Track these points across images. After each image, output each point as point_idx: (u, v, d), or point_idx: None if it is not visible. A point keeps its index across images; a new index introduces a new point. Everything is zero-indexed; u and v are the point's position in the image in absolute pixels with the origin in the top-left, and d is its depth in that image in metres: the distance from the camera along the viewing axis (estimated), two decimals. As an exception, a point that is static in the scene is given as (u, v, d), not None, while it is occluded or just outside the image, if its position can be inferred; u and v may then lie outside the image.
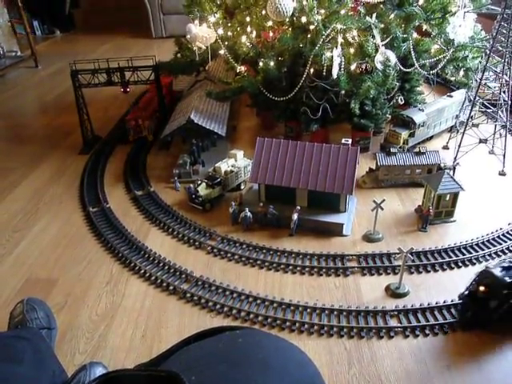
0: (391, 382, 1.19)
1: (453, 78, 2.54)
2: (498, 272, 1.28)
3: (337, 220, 1.76)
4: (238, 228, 1.81)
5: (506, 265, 1.30)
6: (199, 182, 1.96)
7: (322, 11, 2.02)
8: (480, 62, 2.06)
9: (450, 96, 2.41)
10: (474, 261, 1.59)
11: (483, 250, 1.63)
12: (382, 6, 2.06)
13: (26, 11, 4.44)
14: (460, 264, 1.58)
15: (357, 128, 2.29)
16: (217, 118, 2.38)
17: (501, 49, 1.93)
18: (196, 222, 1.85)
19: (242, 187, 2.07)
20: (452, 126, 2.45)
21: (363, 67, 2.11)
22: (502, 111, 2.06)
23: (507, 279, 1.26)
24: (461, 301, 1.37)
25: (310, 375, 0.69)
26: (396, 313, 1.39)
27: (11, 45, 4.50)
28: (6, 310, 1.36)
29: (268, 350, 0.68)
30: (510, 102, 2.03)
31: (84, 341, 1.35)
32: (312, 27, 2.03)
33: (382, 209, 1.67)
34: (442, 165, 1.97)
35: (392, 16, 2.05)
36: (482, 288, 1.29)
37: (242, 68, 2.33)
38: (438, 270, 1.56)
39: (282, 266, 1.60)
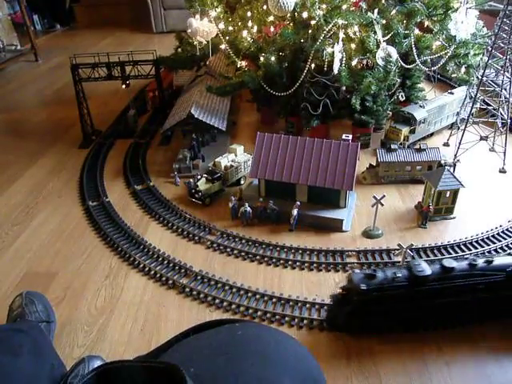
0: (389, 376, 1.19)
1: (454, 75, 2.54)
2: (356, 278, 1.23)
3: (337, 216, 1.75)
4: (237, 223, 1.81)
5: (368, 272, 1.24)
6: (199, 177, 1.96)
7: (324, 6, 2.01)
8: (481, 59, 2.06)
9: (451, 93, 2.41)
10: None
11: (483, 246, 1.63)
12: (383, 1, 2.05)
13: (26, 5, 4.42)
14: (459, 260, 1.57)
15: (357, 124, 2.29)
16: (217, 113, 2.37)
17: (503, 46, 1.93)
18: (195, 217, 1.85)
19: (242, 182, 2.07)
20: (453, 123, 2.45)
21: (364, 63, 2.10)
22: (503, 108, 2.06)
23: (362, 286, 1.20)
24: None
25: (309, 368, 0.68)
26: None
27: (11, 38, 4.48)
28: (5, 303, 1.36)
29: (268, 342, 0.68)
30: (510, 100, 2.02)
31: (83, 334, 1.34)
32: (313, 22, 2.02)
33: (382, 205, 1.67)
34: (443, 161, 1.96)
35: (394, 12, 2.05)
36: (339, 290, 1.28)
37: (242, 63, 2.32)
38: (437, 267, 1.55)
39: (282, 261, 1.60)
